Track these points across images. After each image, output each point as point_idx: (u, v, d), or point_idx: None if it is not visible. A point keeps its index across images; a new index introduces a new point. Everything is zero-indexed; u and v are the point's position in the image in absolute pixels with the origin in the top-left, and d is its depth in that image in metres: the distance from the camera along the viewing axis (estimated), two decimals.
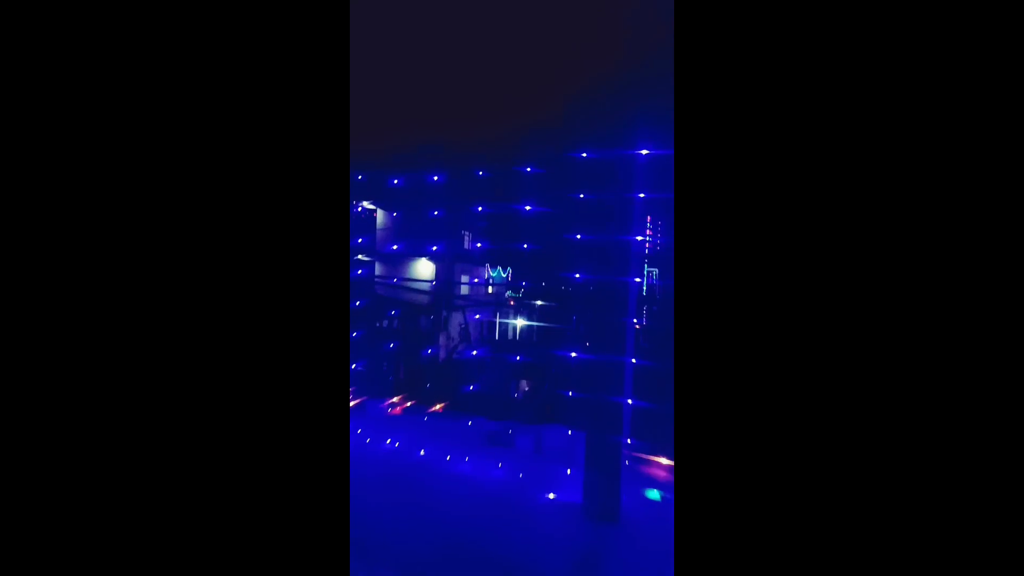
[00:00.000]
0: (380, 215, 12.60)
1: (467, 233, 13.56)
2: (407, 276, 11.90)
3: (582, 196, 5.36)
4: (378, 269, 12.13)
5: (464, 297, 12.75)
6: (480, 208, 7.61)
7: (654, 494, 5.71)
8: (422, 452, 6.64)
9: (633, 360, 5.38)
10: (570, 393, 6.31)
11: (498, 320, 13.77)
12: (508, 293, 12.26)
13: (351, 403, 8.29)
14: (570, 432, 6.72)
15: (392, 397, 8.63)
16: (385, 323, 10.77)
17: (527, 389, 9.32)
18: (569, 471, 6.03)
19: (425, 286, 11.91)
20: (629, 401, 5.39)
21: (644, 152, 5.14)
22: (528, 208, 6.77)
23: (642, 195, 5.19)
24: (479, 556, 4.45)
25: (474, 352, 9.67)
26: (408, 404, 8.49)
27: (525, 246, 7.50)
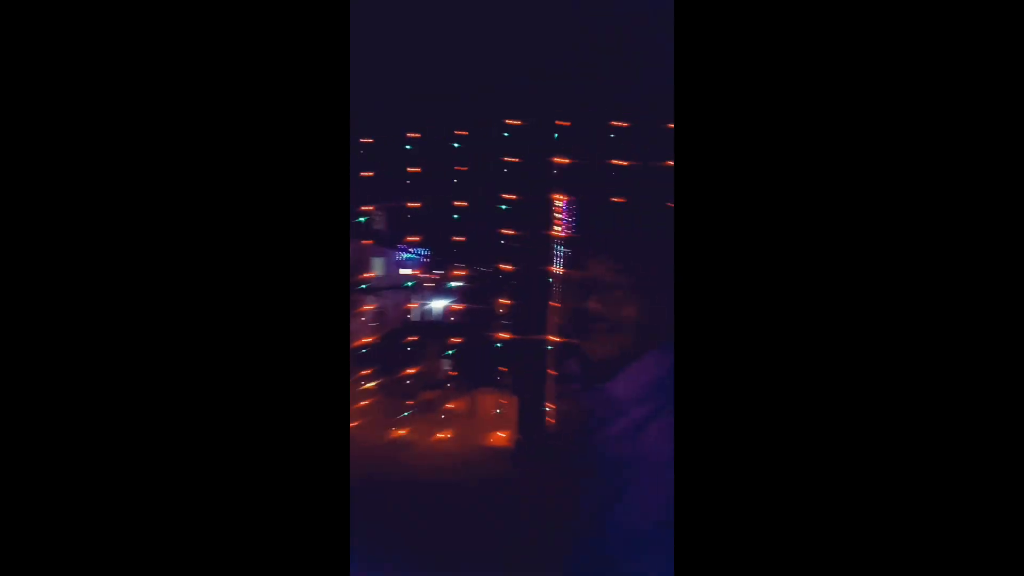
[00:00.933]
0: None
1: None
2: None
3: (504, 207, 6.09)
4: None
5: (379, 281, 12.80)
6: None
7: None
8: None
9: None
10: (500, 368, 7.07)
11: (420, 304, 14.05)
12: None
13: None
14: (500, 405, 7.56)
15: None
16: None
17: (447, 368, 9.99)
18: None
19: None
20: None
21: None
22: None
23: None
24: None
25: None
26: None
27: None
